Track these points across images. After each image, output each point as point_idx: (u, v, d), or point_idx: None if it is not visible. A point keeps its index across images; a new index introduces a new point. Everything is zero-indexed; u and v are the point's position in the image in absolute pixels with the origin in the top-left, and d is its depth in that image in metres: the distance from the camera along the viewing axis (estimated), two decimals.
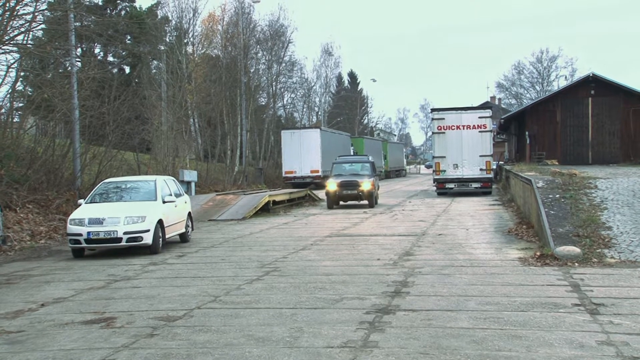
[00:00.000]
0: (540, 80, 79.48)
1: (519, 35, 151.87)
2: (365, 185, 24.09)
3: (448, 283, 9.23)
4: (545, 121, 35.81)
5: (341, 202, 25.15)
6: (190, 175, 28.64)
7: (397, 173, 64.46)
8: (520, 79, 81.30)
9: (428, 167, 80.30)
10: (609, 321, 6.89)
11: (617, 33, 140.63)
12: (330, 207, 24.64)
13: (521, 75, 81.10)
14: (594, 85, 34.82)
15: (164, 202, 14.17)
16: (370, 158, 28.69)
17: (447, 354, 5.87)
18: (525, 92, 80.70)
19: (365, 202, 24.75)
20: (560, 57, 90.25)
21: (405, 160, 78.00)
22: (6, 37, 18.06)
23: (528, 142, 35.73)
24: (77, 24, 22.07)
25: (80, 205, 14.24)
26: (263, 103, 52.92)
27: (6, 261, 13.09)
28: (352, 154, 43.95)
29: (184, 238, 15.34)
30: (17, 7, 18.23)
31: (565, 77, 72.53)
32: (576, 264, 10.32)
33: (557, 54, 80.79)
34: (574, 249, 10.80)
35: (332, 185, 24.35)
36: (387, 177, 57.97)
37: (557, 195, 14.77)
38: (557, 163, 31.82)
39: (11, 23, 18.21)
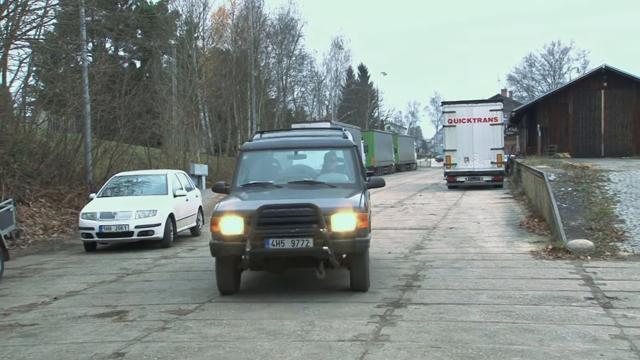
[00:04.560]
0: (552, 72, 78.90)
1: (531, 28, 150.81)
2: (340, 219, 7.68)
3: (459, 276, 9.21)
4: (557, 114, 35.56)
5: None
6: (201, 169, 28.68)
7: (407, 166, 64.26)
8: (531, 71, 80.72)
9: (439, 160, 80.00)
10: (622, 315, 6.85)
11: (631, 25, 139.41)
12: (224, 291, 8.32)
13: (532, 68, 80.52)
14: (606, 77, 34.50)
15: (175, 196, 14.21)
16: (349, 136, 9.99)
17: (458, 347, 5.86)
18: (537, 84, 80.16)
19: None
20: (573, 49, 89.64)
21: (415, 154, 77.73)
22: (18, 32, 18.16)
23: (539, 135, 35.48)
24: (88, 18, 22.15)
25: (92, 199, 14.31)
26: (273, 97, 52.89)
27: (19, 255, 13.17)
28: (362, 147, 39.02)
29: (195, 232, 15.37)
30: (29, 2, 18.33)
31: (578, 69, 71.90)
32: (589, 257, 10.27)
33: (569, 46, 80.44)
34: (587, 242, 10.74)
35: (227, 222, 7.80)
36: (398, 170, 57.83)
37: (569, 189, 14.69)
38: (569, 156, 31.63)
39: (23, 18, 18.30)
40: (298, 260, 7.93)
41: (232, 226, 7.63)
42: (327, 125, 29.52)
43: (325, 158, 9.36)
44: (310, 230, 7.43)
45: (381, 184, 9.43)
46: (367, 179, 9.29)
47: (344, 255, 7.87)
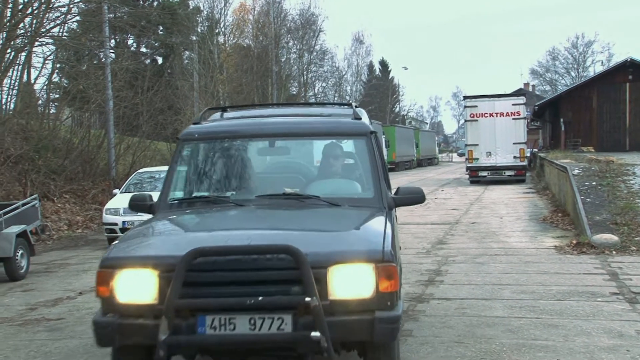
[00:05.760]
0: (575, 66, 77.98)
1: (554, 22, 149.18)
2: (345, 276, 3.85)
3: (482, 272, 9.15)
4: (580, 107, 35.20)
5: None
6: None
7: (429, 161, 64.01)
8: (554, 65, 79.84)
9: (460, 155, 79.55)
10: None
11: None
12: None
13: (556, 62, 79.64)
14: (631, 70, 34.07)
15: None
16: (364, 116, 5.70)
17: (482, 342, 5.83)
18: (560, 78, 79.28)
19: None
20: (597, 42, 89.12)
21: (437, 149, 77.34)
22: (42, 30, 18.36)
23: (563, 129, 35.15)
24: (111, 15, 22.31)
25: (115, 195, 14.44)
26: (294, 92, 52.92)
27: (45, 250, 13.35)
28: (383, 142, 37.43)
29: None
30: (53, 0, 18.49)
31: (602, 62, 70.98)
32: (614, 252, 10.14)
33: (594, 39, 79.71)
34: (612, 237, 10.61)
35: (128, 281, 3.94)
36: (419, 165, 57.66)
37: (594, 183, 14.51)
38: (593, 150, 31.27)
39: (47, 15, 18.49)
40: (265, 351, 4.04)
41: (136, 288, 3.90)
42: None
43: (324, 153, 5.48)
44: (286, 299, 3.76)
45: (418, 199, 5.13)
46: (396, 189, 5.25)
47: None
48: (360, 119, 5.43)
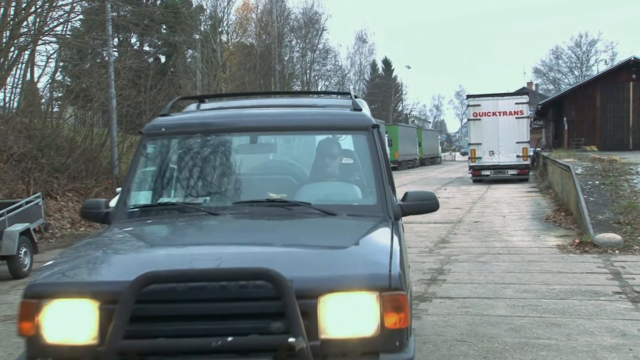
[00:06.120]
0: (579, 65, 77.88)
1: (557, 21, 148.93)
2: (340, 308, 2.94)
3: (485, 270, 9.15)
4: (584, 107, 35.16)
5: None
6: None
7: (432, 160, 64.03)
8: (558, 64, 79.75)
9: (463, 154, 79.53)
10: None
11: None
12: None
13: (559, 61, 79.56)
14: (635, 69, 34.03)
15: None
16: (365, 108, 4.82)
17: (484, 341, 5.83)
18: (564, 77, 79.17)
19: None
20: (600, 41, 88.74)
21: (440, 148, 77.34)
22: (46, 28, 18.38)
23: (566, 128, 35.12)
24: (114, 14, 22.34)
25: (118, 193, 14.44)
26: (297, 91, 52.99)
27: (48, 248, 13.37)
28: (387, 142, 37.73)
29: None
30: None
31: (605, 61, 70.86)
32: (617, 252, 10.14)
33: (597, 38, 79.54)
34: (615, 236, 10.60)
35: (59, 315, 2.99)
36: (422, 164, 57.70)
37: (597, 182, 14.49)
38: (596, 149, 31.25)
39: (50, 14, 18.51)
40: None
41: (70, 324, 3.01)
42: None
43: (317, 151, 4.62)
44: (264, 339, 2.91)
45: (431, 207, 4.31)
46: (404, 194, 4.37)
47: None
48: (361, 110, 4.50)
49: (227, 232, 3.81)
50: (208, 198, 4.26)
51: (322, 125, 4.53)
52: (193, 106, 5.20)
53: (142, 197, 4.36)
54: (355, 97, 4.83)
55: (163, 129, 4.46)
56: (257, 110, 4.91)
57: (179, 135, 4.52)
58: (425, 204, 4.27)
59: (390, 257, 3.17)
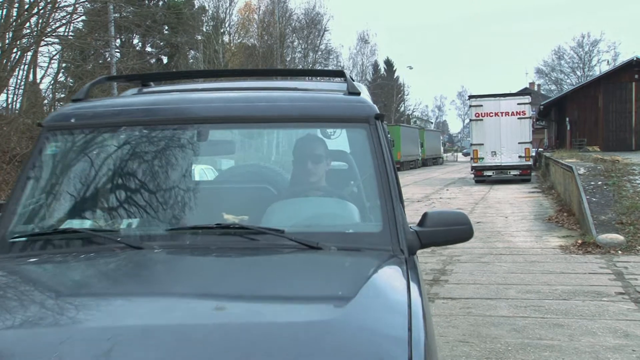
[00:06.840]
0: (581, 65, 77.78)
1: (560, 21, 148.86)
2: None
3: (487, 271, 9.15)
4: (586, 107, 35.12)
5: None
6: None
7: (434, 161, 64.03)
8: (560, 64, 79.64)
9: (465, 154, 79.49)
10: None
11: None
12: None
13: (561, 61, 79.45)
14: (637, 69, 33.98)
15: None
16: (365, 92, 3.35)
17: (487, 342, 5.82)
18: (566, 77, 79.08)
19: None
20: (603, 41, 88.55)
21: (442, 148, 77.32)
22: (48, 29, 18.41)
23: (568, 128, 35.11)
24: (117, 15, 22.39)
25: None
26: None
27: None
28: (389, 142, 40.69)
29: None
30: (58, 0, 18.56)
31: (608, 61, 70.74)
32: (619, 252, 10.12)
33: (599, 38, 79.50)
34: (617, 237, 10.59)
35: None
36: (424, 165, 57.69)
37: (599, 182, 14.48)
38: (598, 149, 31.22)
39: (53, 15, 18.54)
40: None
41: None
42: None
43: (295, 154, 3.15)
44: None
45: (462, 235, 2.81)
46: (422, 215, 2.88)
47: None
48: (359, 94, 3.06)
49: (143, 283, 2.31)
50: (133, 221, 2.82)
51: (303, 115, 2.95)
52: (132, 91, 3.68)
53: (34, 220, 2.86)
54: (352, 79, 3.36)
55: (72, 120, 2.99)
56: (212, 94, 3.31)
57: (93, 128, 2.99)
58: (455, 231, 2.81)
59: (410, 336, 1.77)
